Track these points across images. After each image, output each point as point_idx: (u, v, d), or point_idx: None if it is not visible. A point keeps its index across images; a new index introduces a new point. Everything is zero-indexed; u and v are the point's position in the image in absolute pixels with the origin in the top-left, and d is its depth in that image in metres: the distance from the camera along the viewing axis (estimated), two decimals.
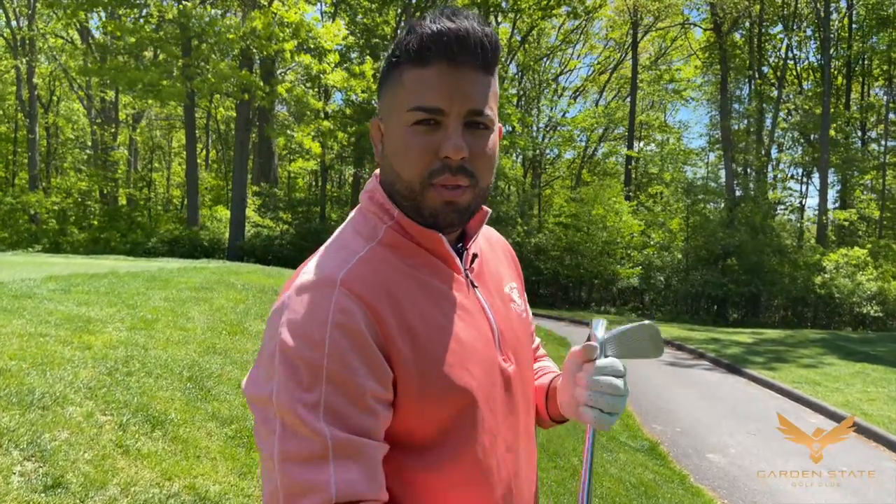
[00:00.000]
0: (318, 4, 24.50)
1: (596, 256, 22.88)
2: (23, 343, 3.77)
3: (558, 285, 24.51)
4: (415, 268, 0.92)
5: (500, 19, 30.09)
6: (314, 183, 30.32)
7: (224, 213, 22.05)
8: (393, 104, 0.91)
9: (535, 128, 31.73)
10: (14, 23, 24.35)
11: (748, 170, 27.99)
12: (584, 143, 33.51)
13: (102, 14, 23.06)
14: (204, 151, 32.88)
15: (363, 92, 20.52)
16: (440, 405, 0.87)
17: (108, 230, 23.39)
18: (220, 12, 21.39)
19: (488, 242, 1.12)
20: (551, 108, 33.28)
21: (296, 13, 18.38)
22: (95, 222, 26.03)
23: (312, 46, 19.01)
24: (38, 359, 3.55)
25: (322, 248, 0.95)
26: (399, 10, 23.81)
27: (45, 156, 29.48)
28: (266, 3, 18.43)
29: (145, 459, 2.86)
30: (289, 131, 19.92)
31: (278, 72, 21.08)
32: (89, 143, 29.89)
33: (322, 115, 19.85)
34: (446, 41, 0.86)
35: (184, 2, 18.06)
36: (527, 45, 30.66)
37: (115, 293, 5.68)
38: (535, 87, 32.03)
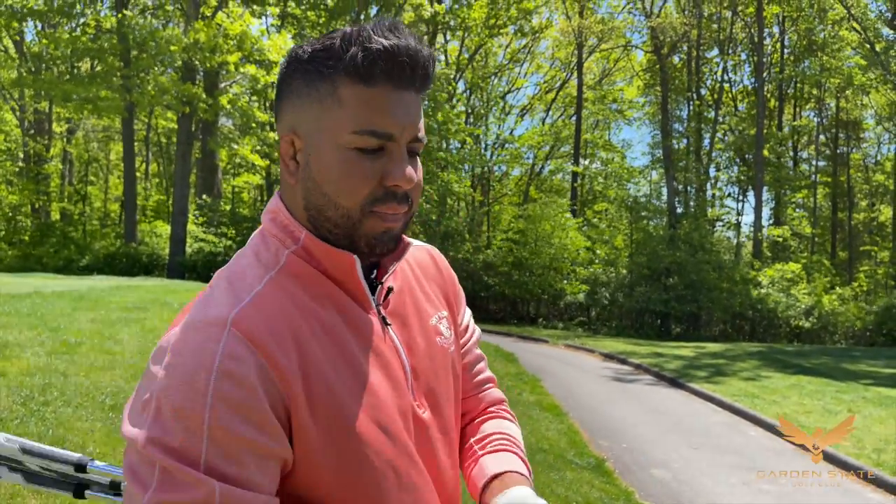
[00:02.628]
0: (264, 18, 24.21)
1: (543, 272, 23.11)
2: None
3: (507, 301, 24.62)
4: (318, 301, 0.83)
5: (448, 37, 30.41)
6: (259, 198, 29.80)
7: (164, 228, 21.36)
8: (326, 121, 0.81)
9: (483, 145, 32.03)
10: None
11: (689, 188, 28.90)
12: (531, 161, 34.02)
13: (38, 24, 22.21)
14: (144, 165, 31.86)
15: None
16: (345, 459, 0.78)
17: (40, 246, 22.35)
18: (161, 23, 20.88)
19: (417, 267, 1.02)
20: (499, 126, 33.70)
21: (240, 25, 18.10)
22: (26, 238, 24.85)
23: (258, 59, 18.72)
24: None
25: (216, 277, 0.84)
26: (347, 25, 23.79)
27: None
28: (209, 15, 18.09)
29: (57, 498, 2.65)
30: (233, 144, 19.50)
31: (222, 84, 20.66)
32: (21, 156, 28.59)
33: (268, 127, 19.52)
34: (400, 61, 0.78)
35: (123, 11, 17.54)
36: (475, 64, 31.00)
37: (37, 315, 5.35)
38: (483, 104, 32.39)
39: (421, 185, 0.86)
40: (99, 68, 18.68)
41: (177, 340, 0.75)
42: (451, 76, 29.47)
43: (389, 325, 0.90)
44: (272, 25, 24.02)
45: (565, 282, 23.02)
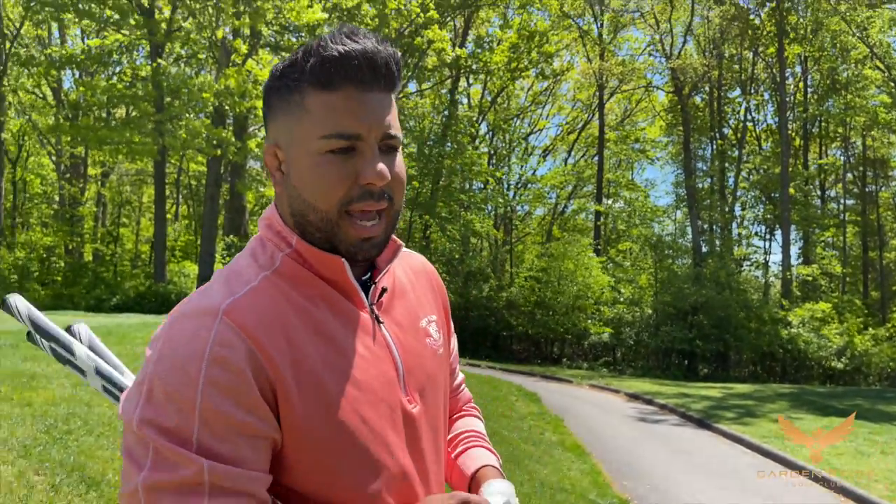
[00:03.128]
0: None
1: (567, 312, 22.93)
2: None
3: (530, 340, 24.41)
4: (311, 301, 0.87)
5: (471, 81, 30.99)
6: None
7: (192, 268, 21.75)
8: (297, 131, 0.86)
9: (506, 185, 32.26)
10: None
11: (714, 227, 28.65)
12: (554, 200, 34.10)
13: (76, 72, 23.19)
14: (174, 206, 32.68)
15: None
16: (328, 448, 0.83)
17: (72, 286, 22.86)
18: (194, 70, 21.66)
19: (410, 272, 1.07)
20: (522, 167, 33.95)
21: (269, 71, 18.73)
22: (59, 278, 25.46)
23: None
24: None
25: (215, 274, 0.90)
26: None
27: (11, 210, 28.98)
28: (240, 62, 18.73)
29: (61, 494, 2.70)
30: (260, 186, 19.94)
31: (251, 128, 21.25)
32: (56, 199, 29.53)
33: None
34: (355, 64, 0.83)
35: (158, 59, 18.27)
36: (497, 106, 31.48)
37: None
38: (505, 145, 32.75)
39: (401, 181, 0.90)
40: (134, 114, 19.36)
41: (171, 328, 0.80)
42: (474, 118, 29.94)
43: (382, 323, 0.94)
44: None
45: (589, 321, 22.79)
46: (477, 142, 31.04)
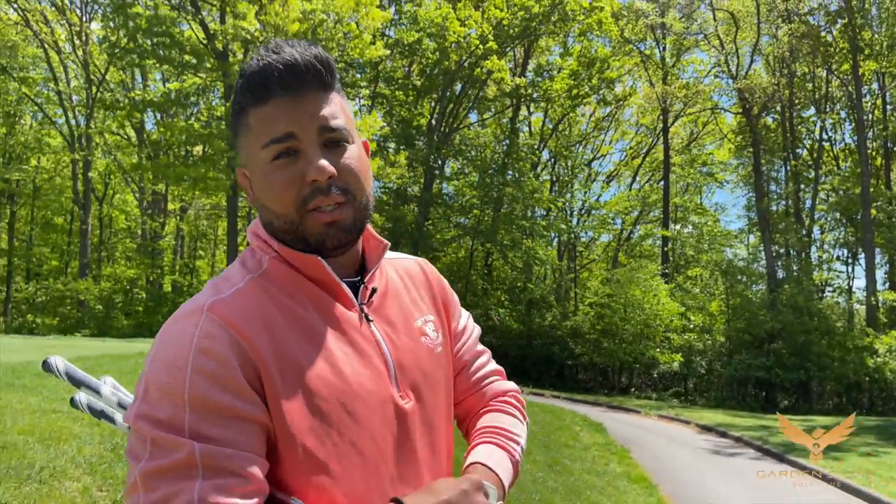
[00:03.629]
0: (357, 99, 25.72)
1: (634, 340, 22.30)
2: (34, 419, 3.82)
3: (596, 370, 23.84)
4: (296, 300, 0.91)
5: (532, 109, 31.07)
6: None
7: None
8: (248, 148, 0.92)
9: (568, 212, 31.96)
10: (73, 120, 26.16)
11: (790, 251, 27.38)
12: (619, 226, 33.49)
13: (157, 114, 24.64)
14: (246, 239, 34.04)
15: (398, 178, 21.09)
16: (306, 430, 0.84)
17: (153, 316, 23.98)
18: None
19: (406, 275, 1.09)
20: (585, 193, 33.60)
21: None
22: (140, 308, 26.75)
23: None
24: (45, 434, 3.58)
25: (207, 283, 0.94)
26: (433, 103, 24.85)
27: (98, 245, 30.81)
28: None
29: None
30: None
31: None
32: (139, 233, 31.21)
33: None
34: (276, 74, 0.88)
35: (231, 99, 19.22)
36: (558, 133, 31.39)
37: (136, 373, 5.78)
38: (568, 172, 32.51)
39: (353, 171, 0.91)
40: (209, 152, 20.34)
41: (163, 332, 0.85)
42: (535, 146, 29.93)
43: (371, 321, 0.96)
44: (364, 106, 25.47)
45: (658, 350, 22.06)
46: (538, 169, 30.97)
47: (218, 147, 19.51)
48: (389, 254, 1.10)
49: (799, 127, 29.04)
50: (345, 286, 0.94)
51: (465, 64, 23.49)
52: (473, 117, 29.92)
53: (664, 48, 29.43)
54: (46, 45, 25.88)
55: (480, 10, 23.31)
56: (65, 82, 26.34)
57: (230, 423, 0.79)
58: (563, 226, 29.50)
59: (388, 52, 20.50)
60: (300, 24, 17.04)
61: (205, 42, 19.88)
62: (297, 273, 0.93)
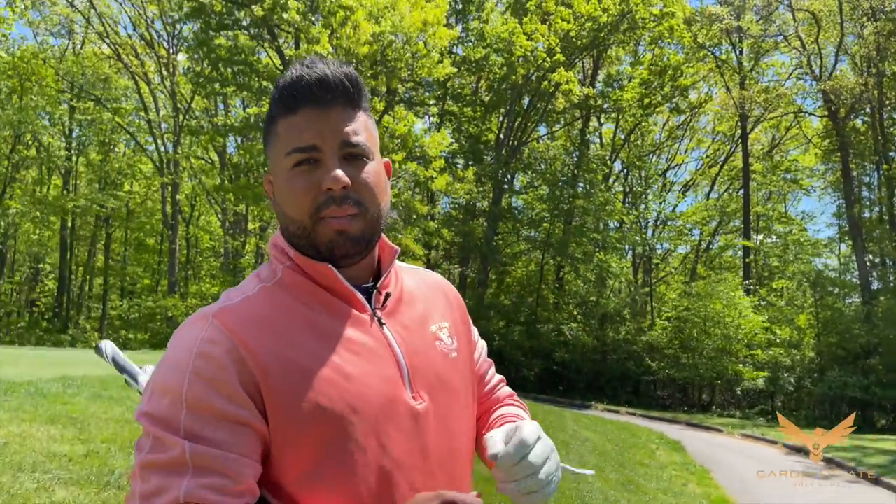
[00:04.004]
0: (426, 117, 26.11)
1: (715, 355, 21.39)
2: (117, 428, 4.05)
3: (675, 386, 23.01)
4: (307, 305, 0.95)
5: (602, 119, 30.59)
6: None
7: None
8: (274, 157, 0.98)
9: (643, 223, 31.17)
10: (162, 147, 27.78)
11: (885, 260, 25.64)
12: (697, 237, 32.35)
13: (238, 138, 25.83)
14: None
15: (466, 194, 21.19)
16: (310, 431, 0.87)
17: None
18: None
19: (423, 285, 1.13)
20: (660, 203, 32.68)
21: (405, 125, 19.68)
22: None
23: (419, 155, 20.12)
24: (127, 442, 3.78)
25: (224, 292, 1.00)
26: (501, 118, 24.89)
27: (185, 264, 32.44)
28: (377, 119, 19.92)
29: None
30: (398, 234, 20.82)
31: (390, 180, 22.37)
32: (222, 252, 32.67)
33: (428, 217, 20.68)
34: (306, 85, 0.93)
35: None
36: (630, 143, 30.75)
37: None
38: (641, 183, 31.75)
39: (368, 185, 0.95)
40: None
41: (174, 336, 0.92)
42: (606, 157, 29.43)
43: (384, 324, 0.99)
44: (432, 124, 25.83)
45: (741, 365, 21.07)
46: (610, 180, 30.40)
47: None
48: (411, 267, 1.15)
49: (891, 129, 27.28)
50: (357, 292, 0.98)
51: (533, 77, 23.43)
52: (542, 130, 29.75)
53: (741, 52, 28.38)
54: (137, 77, 27.68)
55: (547, 23, 23.24)
56: (154, 111, 28.05)
57: (223, 425, 0.84)
58: (637, 238, 28.77)
59: (456, 69, 20.71)
60: (370, 46, 17.49)
61: (281, 68, 20.74)
62: (311, 281, 0.97)
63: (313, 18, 18.65)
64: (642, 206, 31.23)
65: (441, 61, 19.62)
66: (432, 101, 24.62)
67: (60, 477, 3.41)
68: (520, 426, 0.96)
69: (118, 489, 3.19)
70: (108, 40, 27.10)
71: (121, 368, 1.25)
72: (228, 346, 0.87)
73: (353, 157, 0.95)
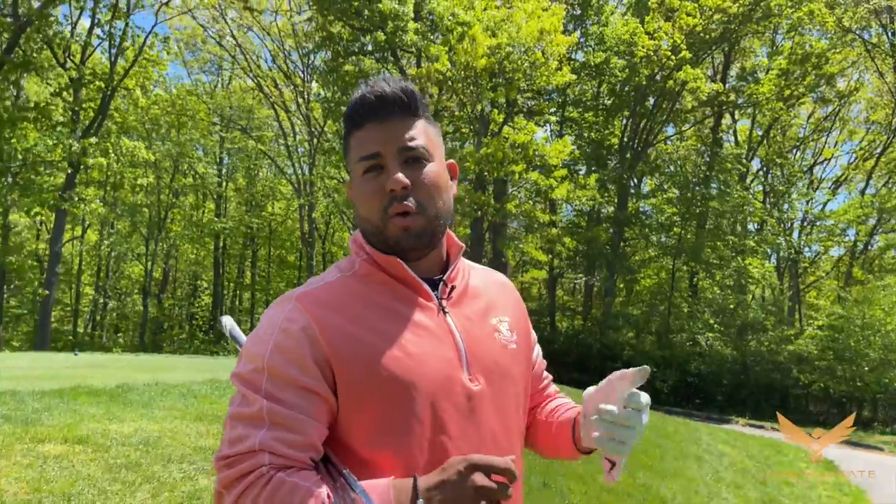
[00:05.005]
0: (546, 125, 25.94)
1: (877, 367, 19.32)
2: None
3: (831, 401, 21.04)
4: (378, 292, 1.09)
5: (737, 116, 28.80)
6: (545, 291, 30.91)
7: None
8: (350, 166, 1.14)
9: (787, 225, 28.89)
10: (299, 170, 29.73)
11: None
12: (852, 238, 29.44)
13: None
14: None
15: (588, 200, 20.77)
16: (373, 400, 1.00)
17: None
18: (458, 143, 23.80)
19: (490, 282, 1.25)
20: (806, 203, 30.14)
21: (525, 135, 19.67)
22: None
23: (539, 164, 20.04)
24: None
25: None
26: (624, 121, 24.19)
27: None
28: (497, 130, 20.08)
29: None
30: (519, 244, 20.87)
31: (510, 190, 22.48)
32: None
33: (550, 225, 20.52)
34: (368, 103, 1.08)
35: None
36: (770, 139, 28.66)
37: None
38: (783, 181, 29.48)
39: (426, 186, 1.08)
40: None
41: (265, 312, 1.09)
42: (742, 155, 27.64)
43: (447, 313, 1.11)
44: (553, 132, 25.62)
45: None
46: (748, 180, 28.50)
47: None
48: (480, 266, 1.27)
49: None
50: (423, 283, 1.11)
51: (658, 77, 22.59)
52: (670, 130, 28.52)
53: (893, 33, 25.65)
54: (276, 107, 29.89)
55: (671, 20, 22.34)
56: (292, 136, 30.13)
57: (295, 391, 0.99)
58: (781, 240, 26.69)
59: (575, 76, 20.45)
60: (487, 59, 17.73)
61: None
62: (383, 272, 1.10)
63: (433, 37, 19.24)
64: (785, 206, 28.96)
65: (560, 69, 19.46)
66: (552, 109, 24.44)
67: (204, 468, 3.81)
68: (635, 392, 1.09)
69: None
70: (251, 74, 29.54)
71: (235, 340, 1.44)
72: (305, 324, 1.02)
73: (413, 160, 1.08)
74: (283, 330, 1.02)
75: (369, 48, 20.83)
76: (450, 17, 18.05)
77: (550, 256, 20.98)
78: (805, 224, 30.46)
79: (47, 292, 20.39)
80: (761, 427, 15.56)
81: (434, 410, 1.02)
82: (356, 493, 0.94)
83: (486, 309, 1.18)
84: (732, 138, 29.75)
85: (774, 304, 24.28)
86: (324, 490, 0.94)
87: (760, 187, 29.91)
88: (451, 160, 1.17)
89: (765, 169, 29.86)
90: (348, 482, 0.97)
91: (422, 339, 1.06)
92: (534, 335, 1.33)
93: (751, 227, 28.23)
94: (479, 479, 0.95)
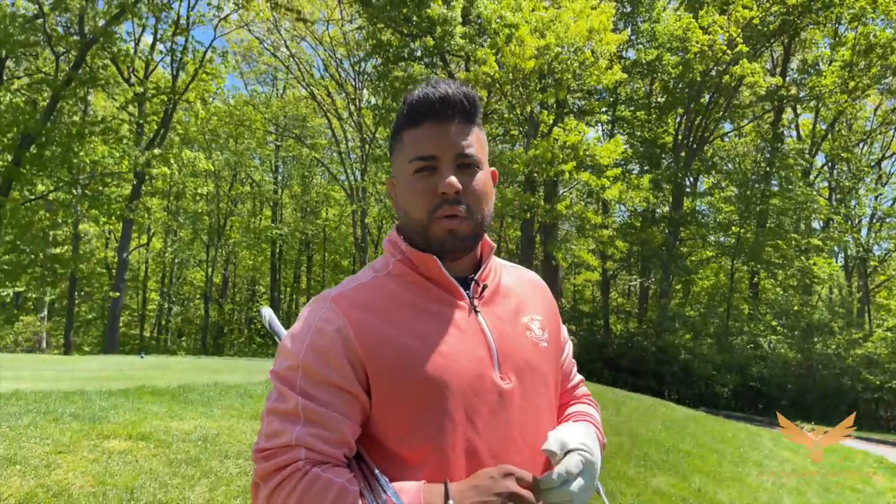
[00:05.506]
0: (598, 125, 25.61)
1: None
2: None
3: None
4: (412, 292, 1.11)
5: (799, 110, 27.76)
6: (599, 294, 30.42)
7: None
8: (398, 163, 1.14)
9: (854, 222, 27.66)
10: (352, 176, 30.22)
11: None
12: None
13: None
14: None
15: (641, 201, 20.38)
16: (406, 399, 1.03)
17: None
18: (508, 146, 23.76)
19: (522, 281, 1.25)
20: (875, 198, 28.82)
21: (576, 136, 19.45)
22: None
23: (591, 164, 19.80)
24: None
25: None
26: (678, 118, 23.63)
27: None
28: (546, 132, 19.94)
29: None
30: (570, 245, 20.64)
31: (561, 191, 22.27)
32: None
33: (602, 226, 20.21)
34: (431, 102, 1.09)
35: None
36: (835, 133, 27.51)
37: None
38: (849, 176, 28.25)
39: (476, 193, 1.10)
40: None
41: (301, 312, 1.13)
42: (805, 151, 26.62)
43: (479, 312, 1.13)
44: (604, 131, 25.27)
45: None
46: (812, 176, 27.43)
47: None
48: (512, 265, 1.28)
49: None
50: (456, 283, 1.12)
51: (713, 72, 22.00)
52: (727, 127, 27.71)
53: None
54: (329, 115, 30.49)
55: (727, 13, 21.74)
56: (344, 144, 30.68)
57: (329, 389, 1.03)
58: (849, 238, 25.57)
59: (626, 75, 20.10)
60: (535, 60, 17.65)
61: None
62: (417, 273, 1.13)
63: (481, 41, 19.27)
64: (853, 203, 27.74)
65: (610, 67, 19.19)
66: (603, 109, 24.11)
67: None
68: (569, 458, 1.04)
69: None
70: (304, 83, 30.24)
71: (274, 331, 1.51)
72: (340, 325, 1.05)
73: (466, 166, 1.09)
74: (318, 330, 1.05)
75: (418, 54, 21.02)
76: (497, 20, 18.04)
77: (602, 259, 20.63)
78: (874, 221, 29.14)
79: (117, 293, 21.30)
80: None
81: (465, 409, 1.04)
82: (387, 495, 0.97)
83: (517, 308, 1.19)
84: (795, 133, 28.71)
85: (842, 304, 23.27)
86: (356, 488, 0.98)
87: (826, 183, 28.76)
88: (493, 168, 1.18)
89: (830, 164, 28.68)
90: (380, 484, 1.00)
91: (454, 338, 1.07)
92: (565, 334, 1.32)
93: (816, 224, 27.16)
94: (511, 484, 0.96)
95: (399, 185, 1.14)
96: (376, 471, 1.02)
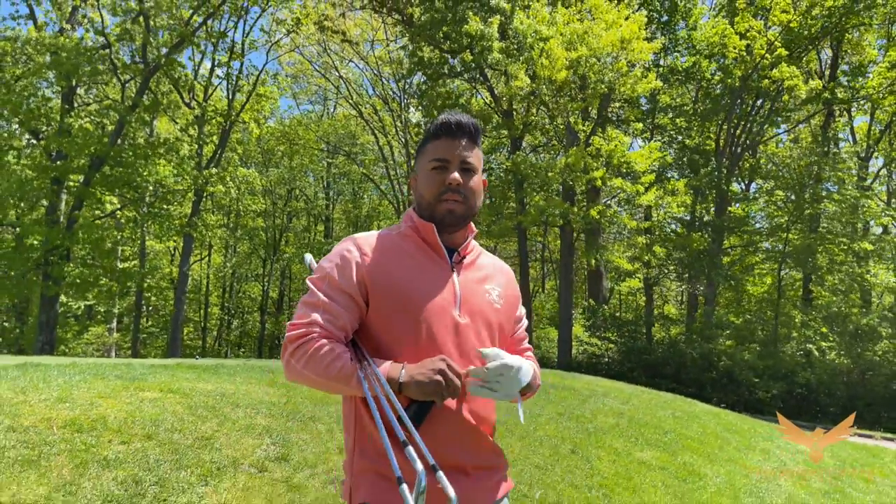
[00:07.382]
0: (639, 133, 25.68)
1: None
2: (310, 392, 5.24)
3: None
4: (412, 248, 1.70)
5: (853, 113, 27.08)
6: (642, 301, 30.17)
7: (554, 333, 23.42)
8: (421, 162, 1.74)
9: None
10: (399, 192, 31.17)
11: None
12: None
13: None
14: (541, 279, 35.89)
15: (679, 207, 20.37)
16: (390, 311, 1.59)
17: None
18: (546, 156, 24.18)
19: (494, 264, 1.83)
20: None
21: (616, 145, 19.66)
22: None
23: (626, 171, 20.01)
24: (314, 397, 4.88)
25: None
26: (720, 123, 23.53)
27: None
28: (586, 141, 20.24)
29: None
30: (604, 251, 20.81)
31: (605, 200, 22.52)
32: None
33: (641, 232, 20.33)
34: (449, 125, 1.69)
35: (517, 152, 21.08)
36: (892, 135, 26.67)
37: None
38: None
39: (472, 188, 1.67)
40: (496, 201, 22.51)
41: (336, 246, 1.69)
42: (860, 154, 25.93)
43: (454, 272, 1.68)
44: (644, 139, 25.35)
45: None
46: (869, 181, 26.62)
47: (503, 195, 21.44)
48: (492, 255, 1.86)
49: None
50: (444, 249, 1.70)
51: (754, 77, 21.90)
52: (780, 131, 27.30)
53: None
54: (376, 132, 31.61)
55: (764, 18, 21.68)
56: (391, 159, 31.71)
57: (341, 293, 1.60)
58: None
59: (662, 83, 20.25)
60: (566, 71, 18.07)
61: (492, 105, 22.32)
62: (419, 237, 1.71)
63: (518, 55, 19.85)
64: None
65: (645, 76, 19.42)
66: (639, 118, 24.25)
67: (262, 412, 4.64)
68: (498, 362, 1.53)
69: (300, 422, 4.31)
70: (352, 102, 31.49)
71: (311, 270, 1.89)
72: (357, 256, 1.61)
73: (467, 170, 1.69)
74: (342, 256, 1.60)
75: (459, 70, 21.75)
76: (532, 34, 18.56)
77: (641, 265, 20.67)
78: None
79: (179, 305, 22.73)
80: (870, 437, 14.59)
81: (430, 327, 1.55)
82: (367, 362, 1.53)
83: (484, 277, 1.72)
84: (850, 137, 27.98)
85: (891, 310, 22.51)
86: (349, 355, 1.53)
87: (884, 187, 27.86)
88: (484, 177, 1.75)
89: (888, 167, 27.79)
90: (366, 358, 1.52)
91: (431, 283, 1.60)
92: (522, 312, 1.85)
93: (875, 230, 26.34)
94: (443, 364, 1.44)
95: (420, 177, 1.70)
96: (365, 352, 1.56)
